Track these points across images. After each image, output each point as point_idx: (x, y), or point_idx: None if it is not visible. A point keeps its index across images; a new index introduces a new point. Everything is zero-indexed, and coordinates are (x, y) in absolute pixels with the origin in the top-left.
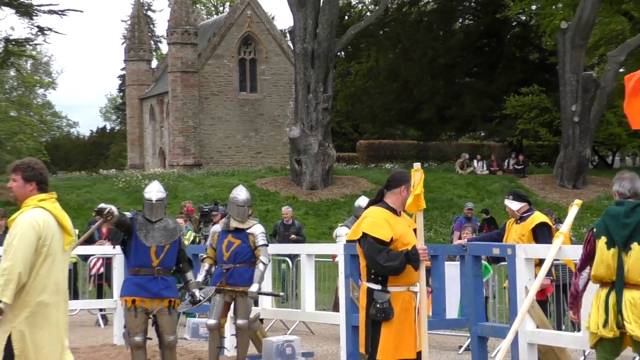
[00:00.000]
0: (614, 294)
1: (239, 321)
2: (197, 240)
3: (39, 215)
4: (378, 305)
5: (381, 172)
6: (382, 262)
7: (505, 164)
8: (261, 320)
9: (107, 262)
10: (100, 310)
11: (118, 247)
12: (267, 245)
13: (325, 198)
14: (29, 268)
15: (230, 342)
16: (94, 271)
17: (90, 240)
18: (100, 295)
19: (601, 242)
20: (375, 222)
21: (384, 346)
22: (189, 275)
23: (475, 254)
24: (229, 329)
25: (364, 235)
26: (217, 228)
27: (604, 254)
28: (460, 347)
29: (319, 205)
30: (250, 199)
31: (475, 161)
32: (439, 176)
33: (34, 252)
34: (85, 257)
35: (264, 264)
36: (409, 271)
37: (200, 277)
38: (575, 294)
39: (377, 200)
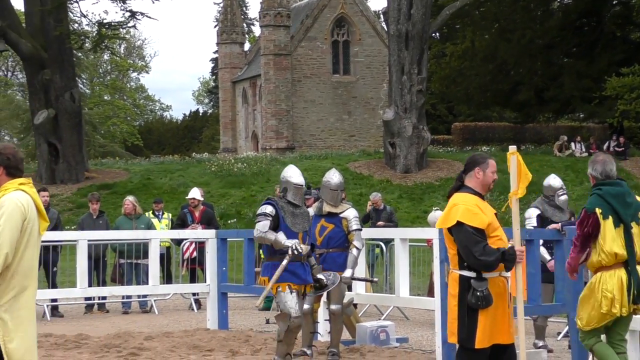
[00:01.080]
0: (631, 271)
1: (333, 306)
2: None
3: (23, 198)
4: (478, 293)
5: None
6: (477, 254)
7: (605, 146)
8: (355, 306)
9: (200, 246)
10: (194, 294)
11: (211, 232)
12: (360, 230)
13: (419, 181)
14: (14, 249)
15: (323, 327)
16: (187, 255)
17: (182, 224)
18: (193, 279)
19: (609, 222)
20: (469, 209)
21: (482, 333)
22: (312, 260)
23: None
24: (322, 314)
25: (459, 223)
26: (309, 212)
27: (614, 232)
28: (558, 333)
29: (413, 188)
30: (343, 182)
31: (574, 143)
32: (537, 159)
33: (20, 233)
34: (178, 242)
35: (357, 248)
36: None
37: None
38: (572, 267)
39: (458, 186)
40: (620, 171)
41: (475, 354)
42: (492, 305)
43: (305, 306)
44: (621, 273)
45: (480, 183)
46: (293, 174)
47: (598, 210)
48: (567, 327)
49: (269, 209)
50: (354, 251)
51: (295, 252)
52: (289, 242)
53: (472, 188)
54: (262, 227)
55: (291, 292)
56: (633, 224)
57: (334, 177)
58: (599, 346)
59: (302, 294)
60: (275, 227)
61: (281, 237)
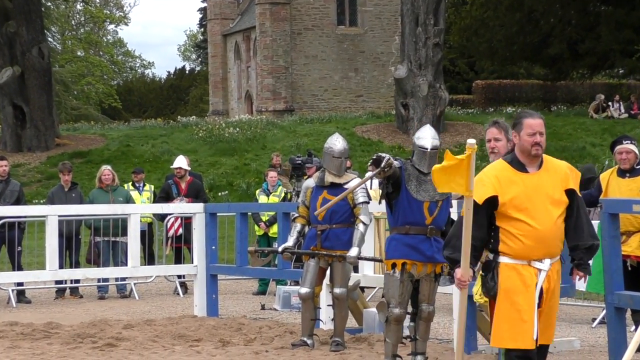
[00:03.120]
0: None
1: (337, 290)
2: (289, 197)
3: None
4: (488, 279)
5: (501, 118)
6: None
7: None
8: (362, 289)
9: (186, 222)
10: (179, 277)
11: (199, 206)
12: (368, 203)
13: None
14: None
15: (326, 313)
16: (171, 233)
17: (166, 198)
18: (178, 260)
19: None
20: (480, 178)
21: (495, 330)
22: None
23: (612, 211)
24: (324, 298)
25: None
26: (310, 183)
27: None
28: (593, 319)
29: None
30: (348, 149)
31: (612, 103)
32: (570, 121)
33: None
34: (161, 217)
35: (364, 224)
36: (534, 243)
37: (291, 240)
38: None
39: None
40: None
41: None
42: (507, 298)
43: (305, 289)
44: None
45: (519, 149)
46: (425, 135)
47: None
48: (604, 312)
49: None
50: (361, 227)
51: (386, 168)
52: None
53: (516, 156)
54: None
55: (402, 275)
56: None
57: (337, 142)
58: None
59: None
60: (392, 192)
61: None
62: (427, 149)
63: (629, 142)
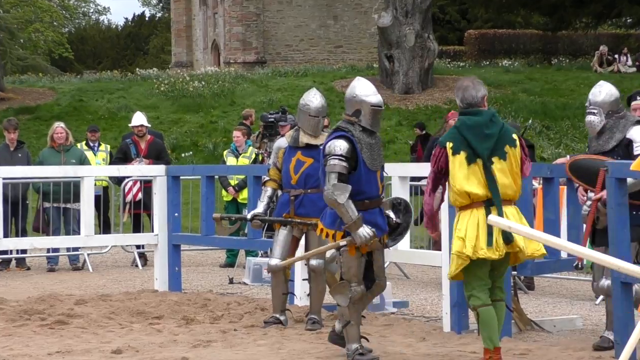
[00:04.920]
0: (493, 211)
1: (313, 262)
2: (261, 158)
3: None
4: None
5: (496, 72)
6: None
7: None
8: None
9: (146, 186)
10: (138, 247)
11: (160, 168)
12: None
13: (423, 105)
14: None
15: (301, 288)
16: (129, 198)
17: (124, 159)
18: (137, 228)
19: (460, 157)
20: None
21: None
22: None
23: (619, 176)
24: (299, 272)
25: None
26: (282, 143)
27: (467, 169)
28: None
29: (416, 113)
30: (326, 106)
31: (618, 56)
32: (572, 75)
33: None
34: (118, 180)
35: None
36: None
37: (261, 206)
38: (430, 214)
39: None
40: None
41: None
42: None
43: (275, 261)
44: (479, 213)
45: None
46: (367, 91)
47: (449, 145)
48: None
49: (343, 146)
50: None
51: (365, 245)
52: (366, 234)
53: None
54: (341, 188)
55: (361, 255)
56: (496, 159)
57: (314, 99)
58: (483, 311)
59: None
60: (350, 170)
61: (360, 221)
62: (381, 106)
63: None
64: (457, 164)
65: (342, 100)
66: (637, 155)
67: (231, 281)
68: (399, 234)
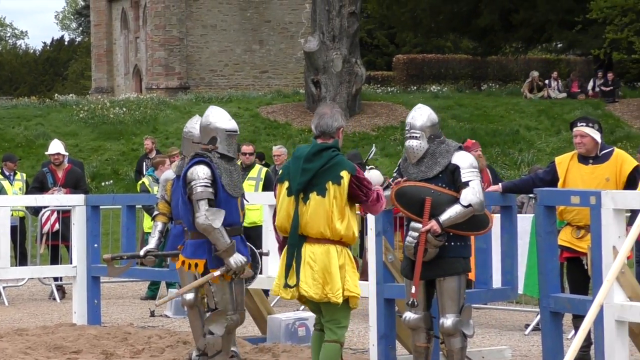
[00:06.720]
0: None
1: (187, 296)
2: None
3: None
4: None
5: (425, 97)
6: None
7: (590, 84)
8: (266, 293)
9: (64, 216)
10: (56, 279)
11: (79, 197)
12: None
13: (351, 131)
14: None
15: None
16: (46, 228)
17: (41, 188)
18: (55, 260)
19: (283, 187)
20: None
21: None
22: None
23: (548, 203)
24: None
25: None
26: (169, 175)
27: (286, 201)
28: (527, 325)
29: (343, 140)
30: None
31: (549, 81)
32: (502, 101)
33: None
34: (35, 210)
35: None
36: None
37: (152, 242)
38: (280, 247)
39: None
40: (607, 117)
41: None
42: None
43: (189, 295)
44: (286, 249)
45: None
46: (220, 118)
47: (280, 172)
48: (538, 317)
49: (206, 171)
50: None
51: (239, 273)
52: (240, 261)
53: None
54: (215, 213)
55: (231, 281)
56: (313, 195)
57: (197, 125)
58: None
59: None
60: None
61: (234, 247)
62: (236, 131)
63: (584, 124)
64: (281, 194)
65: (268, 126)
66: (467, 182)
67: (152, 314)
68: (256, 267)
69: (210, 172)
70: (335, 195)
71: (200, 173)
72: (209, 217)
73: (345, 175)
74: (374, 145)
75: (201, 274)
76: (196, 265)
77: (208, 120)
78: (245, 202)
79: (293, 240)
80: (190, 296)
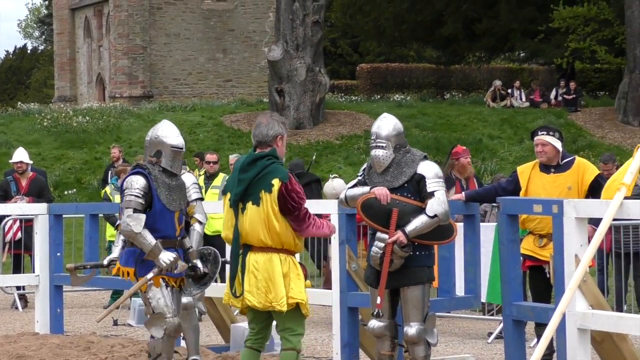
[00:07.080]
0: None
1: (183, 299)
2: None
3: None
4: None
5: (389, 106)
6: None
7: (552, 94)
8: None
9: (27, 224)
10: (18, 288)
11: (42, 206)
12: (202, 199)
13: (315, 140)
14: None
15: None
16: (8, 237)
17: (4, 196)
18: (17, 269)
19: (226, 199)
20: None
21: None
22: (186, 242)
23: (511, 212)
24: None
25: None
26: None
27: (229, 212)
28: (489, 334)
29: (307, 149)
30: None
31: (512, 90)
32: (465, 110)
33: None
34: None
35: (200, 223)
36: None
37: (116, 251)
38: None
39: None
40: (569, 126)
41: None
42: None
43: (186, 300)
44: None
45: None
46: (169, 133)
47: (226, 183)
48: (501, 326)
49: (140, 182)
50: (197, 226)
51: (172, 270)
52: (168, 258)
53: None
54: (135, 218)
55: (166, 287)
56: (249, 205)
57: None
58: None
59: (179, 288)
60: (146, 207)
61: (159, 247)
62: (181, 148)
63: (545, 132)
64: (226, 205)
65: (231, 135)
66: (432, 192)
67: (115, 323)
68: (204, 283)
69: (146, 183)
70: (270, 203)
71: (135, 183)
72: (130, 223)
73: (276, 183)
74: (314, 154)
75: (134, 282)
76: (127, 273)
77: (156, 134)
78: (202, 214)
79: (236, 250)
80: (185, 300)
